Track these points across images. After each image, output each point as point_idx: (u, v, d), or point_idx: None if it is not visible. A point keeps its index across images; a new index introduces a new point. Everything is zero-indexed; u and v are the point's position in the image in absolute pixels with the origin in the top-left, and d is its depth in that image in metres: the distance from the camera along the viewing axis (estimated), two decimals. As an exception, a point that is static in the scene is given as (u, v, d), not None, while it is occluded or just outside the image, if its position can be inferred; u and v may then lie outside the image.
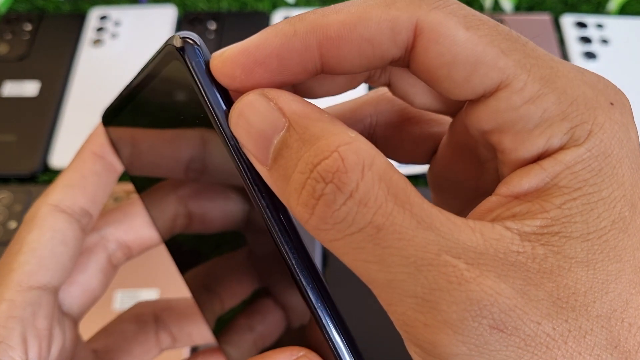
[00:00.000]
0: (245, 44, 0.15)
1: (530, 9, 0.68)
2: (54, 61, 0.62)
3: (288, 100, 0.15)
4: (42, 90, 0.60)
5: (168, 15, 0.66)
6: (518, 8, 0.68)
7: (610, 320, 0.13)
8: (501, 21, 0.63)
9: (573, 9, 0.67)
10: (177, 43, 0.16)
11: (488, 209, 0.14)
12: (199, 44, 0.17)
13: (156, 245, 0.22)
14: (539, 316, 0.13)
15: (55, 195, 0.20)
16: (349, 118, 0.20)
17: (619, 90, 0.15)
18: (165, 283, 0.47)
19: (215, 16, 0.66)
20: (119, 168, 0.21)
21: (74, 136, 0.56)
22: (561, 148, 0.14)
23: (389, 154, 0.21)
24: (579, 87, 0.14)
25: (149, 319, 0.24)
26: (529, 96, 0.14)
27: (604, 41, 0.63)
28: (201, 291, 0.21)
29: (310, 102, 0.15)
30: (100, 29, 0.64)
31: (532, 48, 0.15)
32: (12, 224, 0.52)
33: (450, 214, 0.14)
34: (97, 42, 0.64)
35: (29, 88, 0.60)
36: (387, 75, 0.18)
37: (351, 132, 0.14)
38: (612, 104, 0.14)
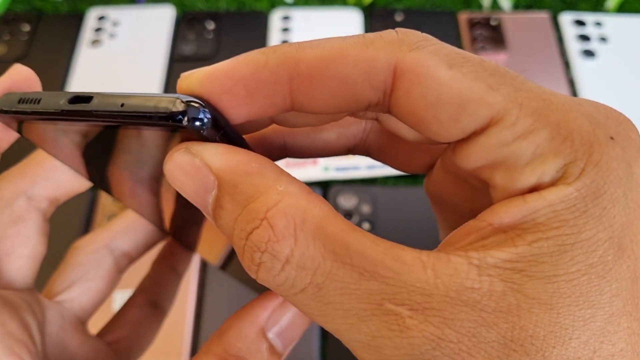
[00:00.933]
0: (213, 68, 0.14)
1: (529, 7, 0.68)
2: (52, 62, 0.62)
3: (212, 155, 0.14)
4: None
5: (166, 15, 0.66)
6: (517, 6, 0.68)
7: None
8: (499, 20, 0.64)
9: (571, 7, 0.67)
10: (186, 122, 0.14)
11: (465, 232, 0.14)
12: (208, 111, 0.14)
13: (82, 189, 0.22)
14: (487, 359, 0.12)
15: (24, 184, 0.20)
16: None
17: (624, 119, 0.14)
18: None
19: (214, 16, 0.66)
20: (4, 147, 0.19)
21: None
22: (551, 184, 0.13)
23: (383, 161, 0.21)
24: (575, 120, 0.13)
25: (101, 251, 0.23)
26: (521, 131, 0.13)
27: (603, 39, 0.63)
28: (134, 198, 0.21)
29: (237, 150, 0.14)
30: (98, 30, 0.64)
31: (522, 81, 0.14)
32: (12, 225, 0.52)
33: (401, 250, 0.13)
34: (95, 42, 0.64)
35: (28, 89, 0.60)
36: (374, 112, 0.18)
37: (280, 184, 0.14)
38: (612, 138, 0.13)
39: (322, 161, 0.55)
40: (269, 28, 0.65)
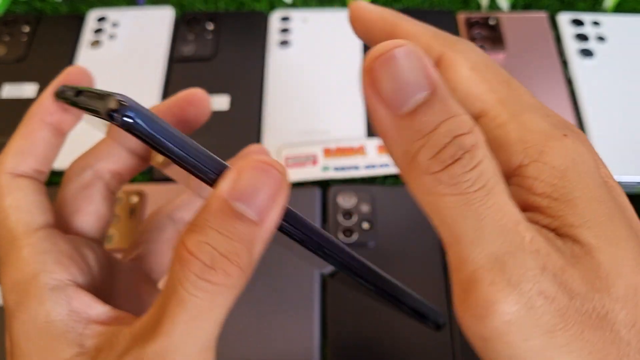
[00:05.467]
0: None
1: (527, 7, 0.68)
2: (52, 63, 0.63)
3: (431, 67, 0.16)
4: (40, 92, 0.60)
5: (166, 16, 0.66)
6: (514, 6, 0.68)
7: (626, 302, 0.15)
8: (497, 20, 0.64)
9: (569, 6, 0.68)
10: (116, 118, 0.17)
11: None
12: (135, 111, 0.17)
13: (141, 169, 0.26)
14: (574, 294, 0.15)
15: (9, 163, 0.22)
16: None
17: (577, 130, 0.18)
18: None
19: (213, 16, 0.66)
20: (66, 128, 0.24)
21: (73, 137, 0.56)
22: (519, 166, 0.17)
23: None
24: (538, 122, 0.18)
25: (164, 219, 0.28)
26: (499, 123, 0.18)
27: (601, 38, 0.64)
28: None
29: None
30: (98, 31, 0.65)
31: (517, 92, 0.19)
32: (12, 226, 0.52)
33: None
34: (95, 43, 0.64)
35: (28, 90, 0.61)
36: None
37: (471, 119, 0.17)
38: (565, 135, 0.17)
39: (322, 161, 0.55)
40: (268, 28, 0.65)
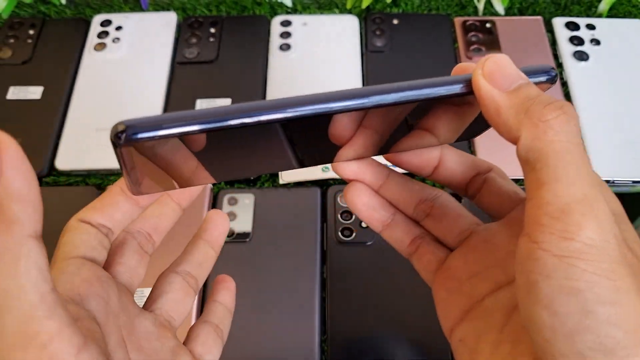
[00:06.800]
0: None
1: (522, 11, 0.69)
2: (56, 65, 0.64)
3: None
4: (45, 94, 0.61)
5: (169, 19, 0.67)
6: (510, 10, 0.69)
7: None
8: (493, 23, 0.65)
9: (564, 11, 0.69)
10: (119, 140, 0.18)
11: None
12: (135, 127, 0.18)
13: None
14: None
15: (80, 214, 0.26)
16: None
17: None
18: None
19: (215, 21, 0.67)
20: (142, 202, 0.26)
21: (78, 138, 0.58)
22: None
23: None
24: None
25: (171, 274, 0.30)
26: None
27: (596, 41, 0.65)
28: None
29: None
30: (102, 34, 0.66)
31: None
32: (19, 225, 0.53)
33: None
34: (99, 46, 0.65)
35: (33, 92, 0.62)
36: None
37: None
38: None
39: (322, 161, 0.56)
40: (270, 32, 0.66)
